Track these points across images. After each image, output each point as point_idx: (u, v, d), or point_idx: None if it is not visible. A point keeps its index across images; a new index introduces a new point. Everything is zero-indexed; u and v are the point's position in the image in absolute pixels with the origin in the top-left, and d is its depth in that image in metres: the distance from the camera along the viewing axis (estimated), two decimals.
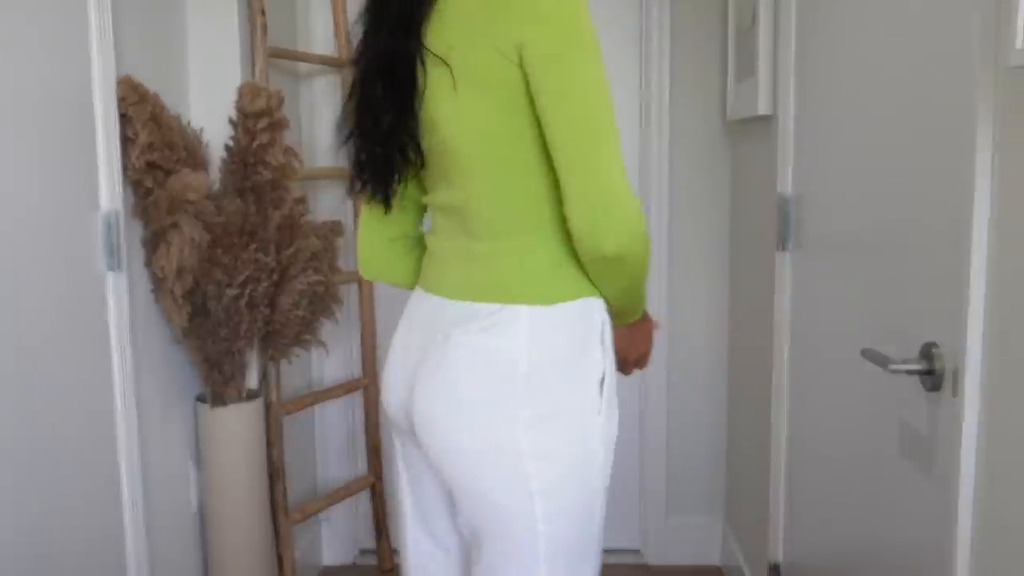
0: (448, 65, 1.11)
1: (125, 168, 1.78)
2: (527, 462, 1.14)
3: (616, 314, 1.27)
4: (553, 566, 1.19)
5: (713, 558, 2.71)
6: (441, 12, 1.14)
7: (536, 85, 1.08)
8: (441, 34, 1.13)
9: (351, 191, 1.31)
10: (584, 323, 1.18)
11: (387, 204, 1.28)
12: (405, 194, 1.30)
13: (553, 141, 1.09)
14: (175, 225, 1.81)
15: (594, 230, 1.08)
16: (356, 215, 2.55)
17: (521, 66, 1.08)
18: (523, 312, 1.14)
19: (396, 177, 1.24)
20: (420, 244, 1.37)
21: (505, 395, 1.13)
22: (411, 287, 1.36)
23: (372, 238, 1.36)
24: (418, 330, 1.25)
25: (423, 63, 1.14)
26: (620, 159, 1.08)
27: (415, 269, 1.36)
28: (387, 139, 1.21)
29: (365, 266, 1.38)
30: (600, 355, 1.19)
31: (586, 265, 1.14)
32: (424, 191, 1.32)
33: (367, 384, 2.62)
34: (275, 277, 2.02)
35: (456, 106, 1.13)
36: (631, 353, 1.36)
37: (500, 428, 1.14)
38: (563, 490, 1.17)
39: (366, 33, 1.22)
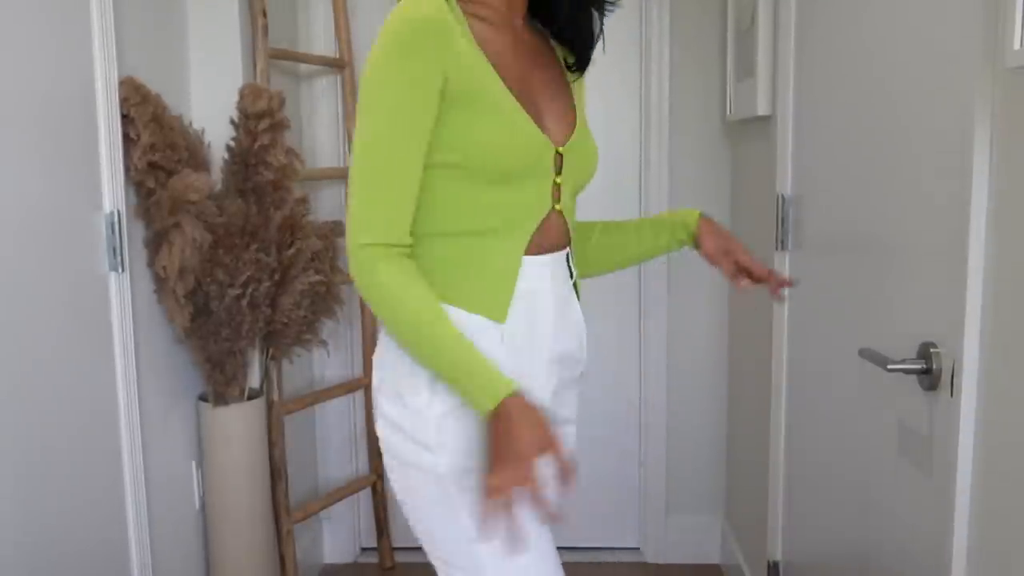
0: None
1: (127, 169, 1.78)
2: (390, 460, 1.22)
3: None
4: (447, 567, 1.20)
5: (712, 557, 2.72)
6: None
7: None
8: None
9: None
10: None
11: None
12: None
13: None
14: (177, 225, 1.81)
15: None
16: None
17: None
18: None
19: None
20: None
21: (378, 400, 1.22)
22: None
23: None
24: None
25: None
26: (368, 206, 1.11)
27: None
28: None
29: None
30: None
31: None
32: None
33: (368, 383, 2.63)
34: (276, 277, 2.03)
35: None
36: (499, 464, 1.04)
37: (380, 427, 1.23)
38: (407, 487, 1.20)
39: None
